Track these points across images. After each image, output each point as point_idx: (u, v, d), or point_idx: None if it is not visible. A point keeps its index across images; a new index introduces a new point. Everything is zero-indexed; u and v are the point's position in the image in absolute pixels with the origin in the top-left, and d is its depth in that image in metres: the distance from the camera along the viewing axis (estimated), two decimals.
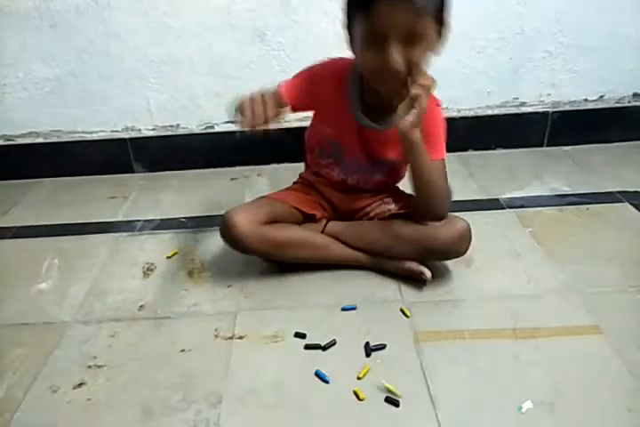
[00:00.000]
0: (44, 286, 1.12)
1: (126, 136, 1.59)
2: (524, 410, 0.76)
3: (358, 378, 0.83)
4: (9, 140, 1.60)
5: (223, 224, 1.02)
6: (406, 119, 0.88)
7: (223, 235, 1.03)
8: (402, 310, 0.97)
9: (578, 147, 1.64)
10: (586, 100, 1.60)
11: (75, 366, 0.89)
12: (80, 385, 0.85)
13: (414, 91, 0.85)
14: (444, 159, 1.00)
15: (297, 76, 1.00)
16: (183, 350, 0.91)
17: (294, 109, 0.99)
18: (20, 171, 1.63)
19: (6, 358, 0.92)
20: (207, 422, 0.77)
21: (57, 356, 0.92)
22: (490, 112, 1.61)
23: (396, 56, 0.83)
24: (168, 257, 1.18)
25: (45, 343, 0.95)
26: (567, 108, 1.61)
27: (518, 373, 0.82)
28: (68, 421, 0.79)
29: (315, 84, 0.98)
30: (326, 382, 0.82)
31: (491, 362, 0.85)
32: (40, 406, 0.82)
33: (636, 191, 1.35)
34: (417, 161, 0.94)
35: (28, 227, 1.36)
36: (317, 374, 0.84)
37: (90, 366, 0.89)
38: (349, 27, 0.90)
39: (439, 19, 0.85)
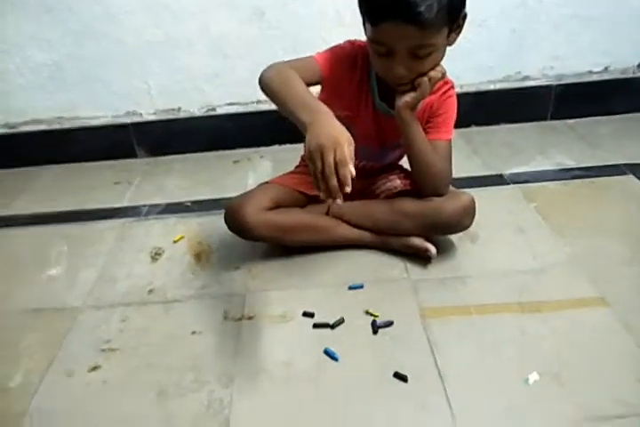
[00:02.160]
0: (54, 272, 1.14)
1: (128, 121, 1.59)
2: (530, 382, 0.77)
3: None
4: (12, 128, 1.60)
5: (228, 213, 1.02)
6: (404, 98, 0.90)
7: (229, 224, 1.03)
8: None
9: (582, 120, 1.62)
10: (590, 71, 1.58)
11: (88, 350, 0.91)
12: (95, 368, 0.87)
13: (419, 80, 0.88)
14: (448, 140, 1.00)
15: (327, 51, 0.96)
16: (194, 332, 0.93)
17: (321, 84, 0.96)
18: (23, 159, 1.63)
19: (21, 343, 0.94)
20: (220, 402, 0.79)
21: (70, 340, 0.94)
22: (492, 87, 1.59)
23: (401, 69, 0.85)
24: (175, 241, 1.19)
25: (58, 329, 0.96)
26: (571, 80, 1.58)
27: (525, 346, 0.84)
28: (86, 403, 0.81)
29: (339, 65, 0.95)
30: (335, 359, 0.84)
31: (497, 336, 0.86)
32: (57, 389, 0.84)
33: None
34: (410, 140, 0.96)
35: (36, 214, 1.37)
36: (326, 352, 0.85)
37: (103, 350, 0.91)
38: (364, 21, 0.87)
39: (451, 20, 0.83)
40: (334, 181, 0.69)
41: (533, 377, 0.77)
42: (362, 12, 0.85)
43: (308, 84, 0.87)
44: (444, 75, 0.90)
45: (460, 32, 0.87)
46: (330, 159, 0.68)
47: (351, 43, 0.96)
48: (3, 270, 1.15)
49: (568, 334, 0.85)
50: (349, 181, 0.69)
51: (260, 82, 0.86)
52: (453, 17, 0.83)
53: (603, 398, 0.74)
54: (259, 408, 0.77)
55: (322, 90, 0.98)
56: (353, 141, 0.71)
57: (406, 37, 0.81)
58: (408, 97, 0.90)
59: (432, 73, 0.87)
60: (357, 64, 0.96)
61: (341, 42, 0.97)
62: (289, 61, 0.90)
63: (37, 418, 0.79)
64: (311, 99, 0.78)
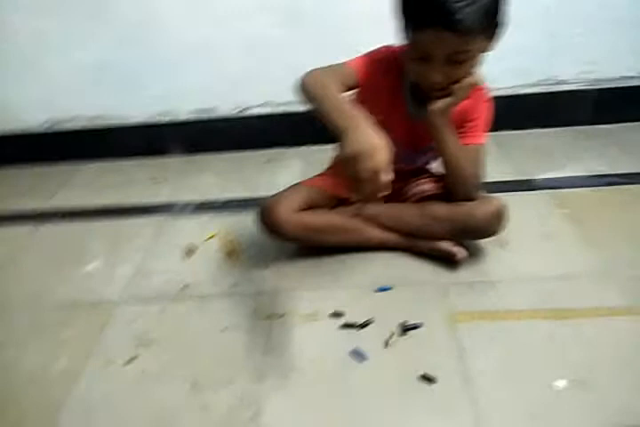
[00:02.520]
0: (92, 267, 1.18)
1: (164, 120, 1.63)
2: (559, 388, 0.77)
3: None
4: (54, 125, 1.66)
5: (261, 214, 1.05)
6: (437, 104, 0.92)
7: (261, 223, 1.06)
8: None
9: (618, 125, 1.59)
10: (627, 76, 1.55)
11: (126, 343, 0.95)
12: (132, 360, 0.91)
13: (454, 85, 0.90)
14: (481, 144, 1.01)
15: (363, 57, 0.98)
16: (226, 328, 0.96)
17: (357, 88, 0.98)
18: (64, 155, 1.70)
19: (61, 335, 0.98)
20: (252, 396, 0.81)
21: (108, 333, 0.98)
22: (527, 91, 1.57)
23: (437, 75, 0.87)
24: (207, 240, 1.23)
25: (96, 322, 1.01)
26: (607, 85, 1.56)
27: (553, 352, 0.84)
28: (123, 392, 0.85)
29: (374, 70, 0.97)
30: (365, 358, 0.86)
31: (525, 342, 0.86)
32: (96, 379, 0.88)
33: None
34: (442, 144, 0.98)
35: (75, 209, 1.43)
36: (356, 352, 0.87)
37: (140, 343, 0.94)
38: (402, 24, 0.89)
39: (489, 27, 0.84)
40: (370, 187, 0.70)
41: (561, 384, 0.78)
42: (402, 17, 0.86)
43: (345, 90, 0.89)
44: (478, 81, 0.90)
45: (497, 39, 0.88)
46: (368, 165, 0.69)
47: (387, 48, 0.98)
48: (42, 265, 1.21)
49: (596, 342, 0.85)
50: (385, 187, 0.70)
51: (299, 88, 0.88)
52: (491, 25, 0.84)
53: (630, 407, 0.74)
54: (288, 404, 0.80)
55: (357, 94, 0.99)
56: (390, 147, 0.72)
57: (444, 43, 0.82)
58: (441, 103, 0.92)
59: (467, 79, 0.89)
60: (392, 69, 0.97)
61: (377, 47, 0.99)
62: (326, 67, 0.92)
63: (77, 405, 0.84)
64: (349, 105, 0.80)
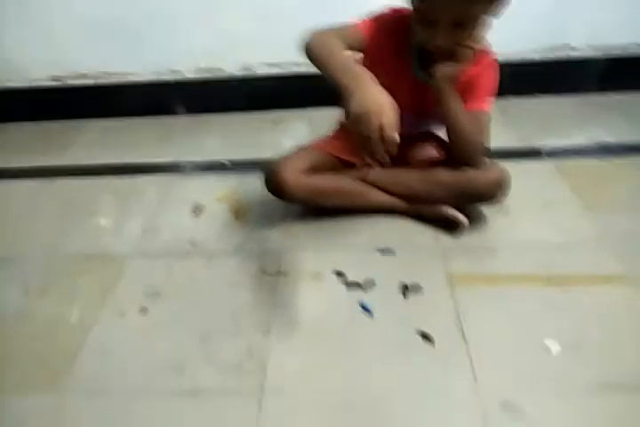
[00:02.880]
0: (103, 222, 1.21)
1: (170, 78, 1.62)
2: (553, 351, 0.82)
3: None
4: (57, 80, 1.64)
5: (267, 176, 1.06)
6: (442, 68, 0.93)
7: (268, 185, 1.07)
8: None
9: (626, 95, 1.58)
10: (638, 44, 1.53)
11: (137, 294, 0.99)
12: (143, 311, 0.95)
13: (459, 51, 0.90)
14: (486, 111, 1.01)
15: (370, 19, 0.98)
16: (233, 284, 1.00)
17: (363, 51, 0.98)
18: (70, 112, 1.69)
19: (76, 286, 1.02)
20: (259, 348, 0.86)
21: (120, 285, 1.02)
22: (534, 56, 1.55)
23: (443, 40, 0.87)
24: (218, 199, 1.24)
25: (108, 274, 1.04)
26: (619, 52, 1.54)
27: (547, 316, 0.88)
28: (136, 341, 0.89)
29: (381, 32, 0.97)
30: (369, 312, 0.90)
31: (522, 306, 0.90)
32: (110, 329, 0.92)
33: None
34: (448, 110, 0.99)
35: (84, 166, 1.44)
36: (362, 306, 0.91)
37: (151, 295, 0.98)
38: None
39: None
40: (380, 147, 0.71)
41: (555, 348, 0.82)
42: None
43: (350, 50, 0.89)
44: (484, 46, 0.90)
45: (504, 4, 0.87)
46: (376, 124, 0.70)
47: (394, 10, 0.97)
48: (55, 219, 1.23)
49: (590, 308, 0.89)
50: (394, 147, 0.72)
51: (304, 48, 0.88)
52: None
53: (616, 369, 0.79)
54: (293, 357, 0.84)
55: (364, 56, 0.99)
56: (397, 107, 0.73)
57: (450, 8, 0.82)
58: (448, 67, 0.92)
59: (473, 44, 0.88)
60: (399, 31, 0.97)
61: (384, 9, 0.97)
62: (332, 28, 0.92)
63: (92, 353, 0.88)
64: (355, 65, 0.80)
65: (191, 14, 1.50)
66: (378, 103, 0.71)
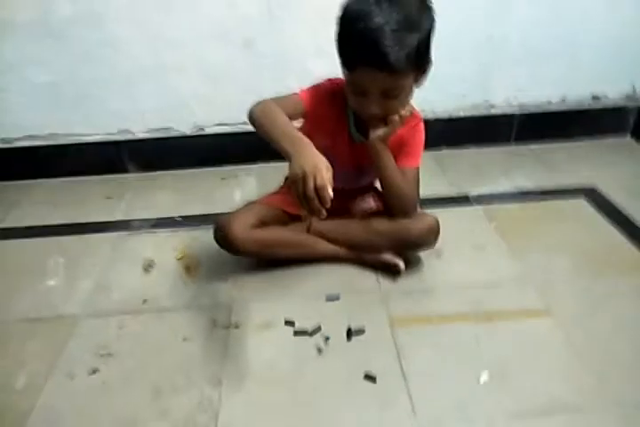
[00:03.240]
0: (52, 282, 1.22)
1: (121, 138, 1.68)
2: (481, 382, 0.89)
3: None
4: (7, 142, 1.67)
5: (217, 230, 1.13)
6: (376, 133, 1.03)
7: (217, 240, 1.13)
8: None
9: (542, 145, 1.77)
10: (549, 102, 1.73)
11: (88, 355, 1.00)
12: (95, 371, 0.96)
13: (390, 117, 1.00)
14: (416, 167, 1.13)
15: (309, 89, 1.08)
16: (185, 339, 1.03)
17: (304, 117, 1.08)
18: (18, 172, 1.71)
19: (25, 349, 1.02)
20: (210, 400, 0.89)
21: (71, 346, 1.02)
22: (462, 113, 1.73)
23: (374, 108, 0.97)
24: (178, 259, 1.27)
25: (59, 335, 1.05)
26: (532, 109, 1.73)
27: (478, 350, 0.96)
28: (87, 402, 0.90)
29: (320, 100, 1.07)
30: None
31: (454, 342, 0.98)
32: (60, 391, 0.93)
33: (592, 188, 1.49)
34: (382, 168, 1.09)
35: (31, 227, 1.45)
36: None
37: (102, 355, 1.00)
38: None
39: (418, 66, 0.95)
40: (316, 203, 0.79)
41: (484, 378, 0.90)
42: (339, 56, 0.96)
43: (292, 118, 0.99)
44: (411, 112, 1.02)
45: (426, 75, 1.00)
46: (311, 184, 0.78)
47: (331, 81, 1.08)
48: (2, 281, 1.23)
49: (515, 340, 0.98)
50: (329, 203, 0.79)
51: (249, 117, 0.98)
52: (420, 63, 0.95)
53: (539, 395, 0.87)
54: (244, 406, 0.88)
55: (304, 122, 1.09)
56: (331, 167, 0.81)
57: (378, 81, 0.92)
58: (380, 131, 1.03)
59: (402, 111, 1.00)
60: (336, 99, 1.07)
61: (322, 79, 1.09)
62: (275, 98, 1.02)
63: (43, 415, 0.88)
64: (294, 131, 0.90)
65: (141, 76, 1.58)
66: (313, 165, 0.80)
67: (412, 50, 0.90)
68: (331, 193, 0.79)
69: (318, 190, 0.78)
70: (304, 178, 0.79)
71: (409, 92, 0.99)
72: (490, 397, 0.87)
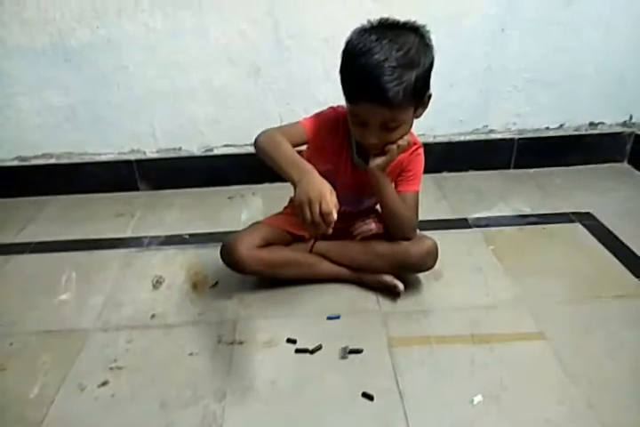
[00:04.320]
0: (65, 297, 1.27)
1: (132, 158, 1.75)
2: (475, 403, 0.92)
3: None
4: (23, 160, 1.74)
5: (223, 250, 1.17)
6: (376, 162, 1.08)
7: (224, 259, 1.18)
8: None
9: (540, 170, 1.82)
10: (547, 128, 1.79)
11: (98, 368, 1.04)
12: (104, 384, 1.00)
13: (389, 147, 1.05)
14: (416, 191, 1.18)
15: (312, 118, 1.12)
16: (191, 354, 1.07)
17: (307, 144, 1.13)
18: (33, 189, 1.78)
19: (37, 361, 1.07)
20: (214, 414, 0.92)
21: (82, 359, 1.07)
22: (462, 138, 1.78)
23: (374, 138, 1.02)
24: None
25: (70, 348, 1.09)
26: (531, 135, 1.79)
27: (472, 372, 0.99)
28: (96, 414, 0.94)
29: (322, 129, 1.11)
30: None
31: (451, 363, 1.01)
32: (71, 401, 0.97)
33: (587, 212, 1.54)
34: (382, 194, 1.14)
35: (45, 242, 1.51)
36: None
37: (111, 368, 1.04)
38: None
39: (417, 100, 1.00)
40: (322, 227, 0.84)
41: (478, 399, 0.93)
42: (342, 88, 1.02)
43: (296, 146, 1.04)
44: (409, 142, 1.07)
45: (425, 108, 1.05)
46: (316, 209, 0.83)
47: (334, 109, 1.14)
48: (16, 295, 1.28)
49: (509, 363, 1.01)
50: (332, 226, 0.84)
51: (255, 146, 1.03)
52: (419, 97, 1.00)
53: (531, 417, 0.90)
54: (247, 420, 0.91)
55: (307, 148, 1.15)
56: (334, 191, 0.86)
57: (378, 114, 0.98)
58: (380, 160, 1.07)
59: (400, 141, 1.05)
60: (339, 127, 1.13)
61: (326, 108, 1.15)
62: (278, 128, 1.08)
63: (54, 426, 0.92)
64: (298, 159, 0.95)
65: (153, 99, 1.66)
66: (318, 190, 0.84)
67: (410, 86, 0.94)
68: (335, 216, 0.84)
69: (324, 216, 0.83)
70: (310, 204, 0.84)
71: (408, 124, 1.04)
72: (484, 418, 0.90)
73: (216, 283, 1.29)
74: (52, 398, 0.97)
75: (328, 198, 0.84)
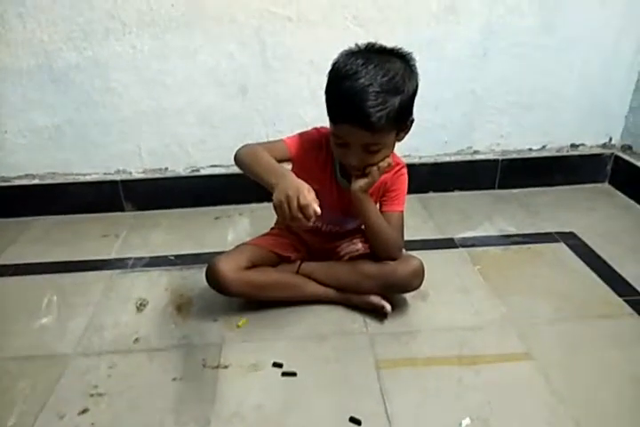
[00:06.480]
0: (45, 321, 1.24)
1: (118, 178, 1.73)
2: (463, 426, 0.91)
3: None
4: (5, 181, 1.72)
5: (209, 271, 1.16)
6: (358, 183, 1.09)
7: (209, 281, 1.17)
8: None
9: (524, 190, 1.85)
10: (530, 149, 1.82)
11: (78, 395, 1.01)
12: (84, 411, 0.97)
13: (369, 169, 1.06)
14: (400, 211, 1.18)
15: (296, 136, 1.14)
16: (175, 379, 1.04)
17: (291, 162, 1.13)
18: (15, 210, 1.74)
19: (15, 388, 1.03)
20: None
21: (61, 386, 1.04)
22: (447, 159, 1.81)
23: (355, 160, 1.03)
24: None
25: (50, 374, 1.06)
26: (514, 156, 1.82)
27: (460, 394, 0.99)
28: None
29: (305, 147, 1.13)
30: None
31: (438, 385, 1.01)
32: None
33: (571, 232, 1.55)
34: (365, 215, 1.14)
35: (27, 264, 1.48)
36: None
37: (92, 395, 1.01)
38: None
39: (399, 124, 1.01)
40: (303, 222, 0.85)
41: (466, 422, 0.92)
42: (327, 109, 1.02)
43: (278, 161, 1.05)
44: (390, 164, 1.07)
45: (407, 132, 1.06)
46: (294, 204, 0.85)
47: (317, 130, 1.15)
48: None
49: (497, 384, 1.01)
50: (313, 218, 0.85)
51: (235, 158, 1.05)
52: (401, 123, 1.02)
53: None
54: None
55: (292, 168, 1.15)
56: (312, 189, 0.87)
57: (359, 137, 0.99)
58: (362, 182, 1.08)
59: (381, 164, 1.05)
60: (322, 147, 1.14)
61: (310, 128, 1.16)
62: (261, 143, 1.09)
63: None
64: (277, 165, 0.97)
65: (139, 119, 1.65)
66: (295, 188, 0.87)
67: (393, 111, 0.96)
68: (318, 210, 0.85)
69: (302, 209, 0.84)
70: (288, 200, 0.85)
71: (389, 148, 1.05)
72: None
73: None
74: (30, 426, 0.94)
75: (306, 193, 0.85)
